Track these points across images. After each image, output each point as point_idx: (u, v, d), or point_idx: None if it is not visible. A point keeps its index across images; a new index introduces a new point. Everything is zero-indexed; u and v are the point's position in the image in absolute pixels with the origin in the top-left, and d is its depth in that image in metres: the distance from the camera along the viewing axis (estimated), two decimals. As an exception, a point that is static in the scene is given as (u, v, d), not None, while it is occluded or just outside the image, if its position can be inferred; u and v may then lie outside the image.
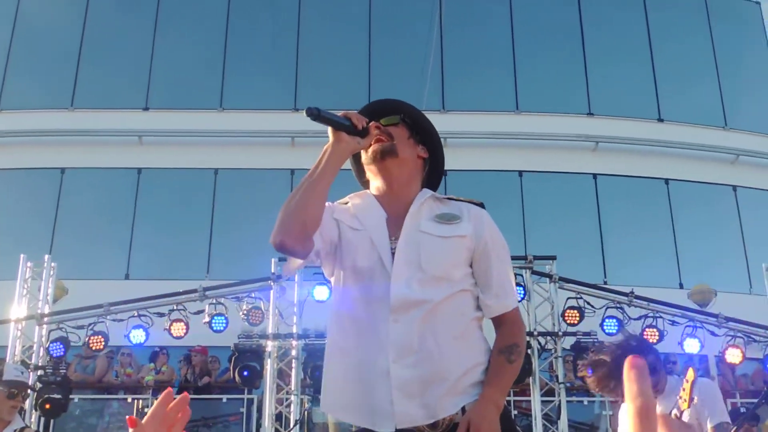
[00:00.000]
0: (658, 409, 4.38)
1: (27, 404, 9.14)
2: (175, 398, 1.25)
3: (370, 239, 2.62)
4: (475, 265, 2.69)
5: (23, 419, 8.38)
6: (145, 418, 1.20)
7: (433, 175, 2.89)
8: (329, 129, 2.56)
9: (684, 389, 4.04)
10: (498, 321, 2.73)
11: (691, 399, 4.04)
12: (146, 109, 16.37)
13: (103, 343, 9.76)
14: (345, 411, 2.59)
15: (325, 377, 2.67)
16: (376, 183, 2.77)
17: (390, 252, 2.59)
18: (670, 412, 4.30)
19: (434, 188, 2.87)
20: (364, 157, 2.73)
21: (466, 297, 2.65)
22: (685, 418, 4.14)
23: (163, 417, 1.20)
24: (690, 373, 4.07)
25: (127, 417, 1.21)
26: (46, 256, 10.85)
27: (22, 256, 10.65)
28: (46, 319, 10.04)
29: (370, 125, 2.63)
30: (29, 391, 6.53)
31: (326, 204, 2.63)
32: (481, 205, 2.78)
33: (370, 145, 2.67)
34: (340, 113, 2.56)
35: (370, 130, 2.63)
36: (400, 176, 2.72)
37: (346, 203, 2.76)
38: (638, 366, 0.91)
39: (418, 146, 2.81)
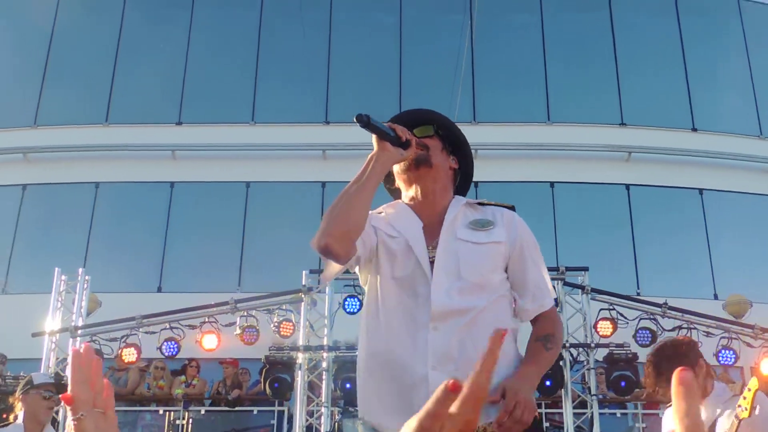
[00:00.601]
0: (702, 415, 4.28)
1: (60, 416, 9.24)
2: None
3: (408, 247, 2.63)
4: (511, 269, 2.70)
5: (56, 430, 8.47)
6: (70, 386, 1.22)
7: (463, 185, 2.92)
8: (374, 138, 2.58)
9: (745, 398, 3.80)
10: (536, 318, 2.76)
11: (753, 408, 3.76)
12: (179, 123, 16.53)
13: (135, 355, 9.85)
14: (383, 416, 2.58)
15: (363, 384, 2.66)
16: (409, 192, 2.78)
17: (428, 260, 2.60)
18: (712, 425, 4.20)
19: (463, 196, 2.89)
20: (398, 166, 2.75)
21: (503, 304, 2.67)
22: (744, 428, 3.98)
23: (85, 376, 1.21)
24: (754, 382, 3.83)
25: (61, 396, 1.24)
26: (80, 270, 10.98)
27: (56, 269, 10.79)
28: (79, 331, 10.15)
29: (412, 138, 2.65)
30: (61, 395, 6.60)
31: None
32: (512, 209, 2.80)
33: (412, 156, 2.68)
34: (386, 124, 2.59)
35: (412, 143, 2.64)
36: (434, 186, 2.74)
37: (380, 213, 2.78)
38: (686, 382, 0.86)
39: (450, 157, 2.83)
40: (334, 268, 2.62)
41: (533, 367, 2.60)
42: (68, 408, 1.18)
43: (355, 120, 2.48)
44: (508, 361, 2.62)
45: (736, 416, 3.80)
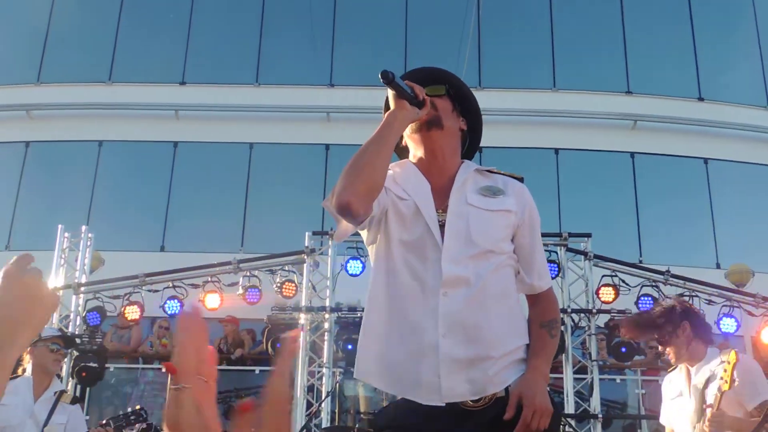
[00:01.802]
0: (694, 379, 4.36)
1: (64, 371, 9.30)
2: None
3: (417, 210, 2.59)
4: (519, 242, 2.68)
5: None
6: (177, 354, 1.14)
7: (470, 148, 2.88)
8: (392, 95, 2.54)
9: (725, 370, 4.08)
10: (536, 297, 2.76)
11: (733, 381, 4.05)
12: (183, 83, 16.45)
13: (138, 313, 9.88)
14: (383, 380, 2.57)
15: (364, 346, 2.63)
16: (417, 153, 2.74)
17: (438, 224, 2.57)
18: (703, 388, 4.27)
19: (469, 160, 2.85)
20: (409, 126, 2.69)
21: (510, 273, 2.65)
22: (726, 399, 4.11)
23: (194, 343, 1.14)
24: (732, 356, 4.13)
25: (163, 363, 1.15)
26: (84, 227, 10.98)
27: (59, 226, 10.79)
28: (82, 288, 10.18)
29: (427, 98, 2.61)
30: (69, 349, 6.64)
31: None
32: (521, 180, 2.78)
33: (424, 117, 2.64)
34: (405, 82, 2.54)
35: (427, 103, 2.61)
36: (444, 147, 2.70)
37: (390, 172, 2.70)
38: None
39: (460, 118, 2.78)
40: (347, 227, 2.59)
41: (542, 359, 2.61)
42: (169, 376, 1.11)
43: (380, 76, 2.44)
44: (518, 326, 2.64)
45: (719, 388, 3.96)
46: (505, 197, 2.66)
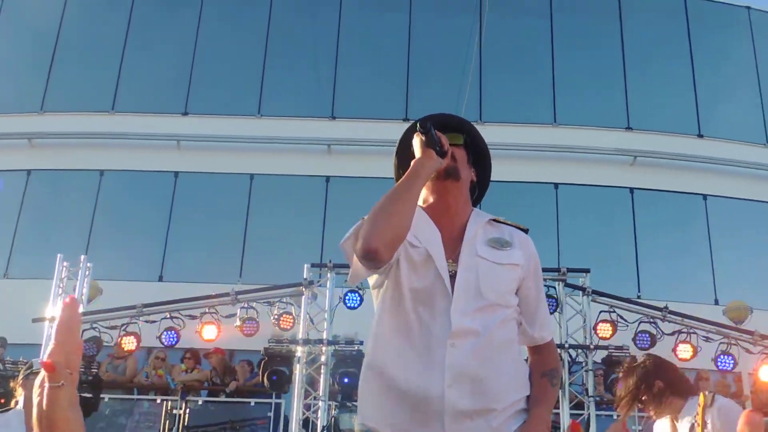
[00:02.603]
0: (679, 429, 4.35)
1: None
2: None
3: (428, 257, 2.56)
4: (523, 294, 2.68)
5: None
6: (52, 350, 1.14)
7: (477, 196, 2.88)
8: (419, 142, 2.55)
9: (697, 413, 4.12)
10: (538, 347, 2.77)
11: (704, 423, 4.08)
12: (185, 113, 16.54)
13: (135, 344, 9.85)
14: (385, 426, 2.54)
15: (368, 393, 2.60)
16: (430, 199, 2.72)
17: (448, 274, 2.55)
18: None
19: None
20: None
21: (514, 325, 2.65)
22: None
23: (68, 338, 1.14)
24: (701, 398, 4.17)
25: (41, 362, 1.14)
26: (82, 257, 10.97)
27: (58, 255, 10.78)
28: (81, 318, 10.15)
29: (449, 149, 2.62)
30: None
31: None
32: (527, 231, 2.78)
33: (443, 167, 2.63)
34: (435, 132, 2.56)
35: (448, 154, 2.61)
36: (457, 198, 2.68)
37: None
38: (754, 423, 0.87)
39: (472, 169, 2.79)
40: (363, 271, 2.55)
41: (544, 407, 2.61)
42: (45, 374, 1.10)
43: (418, 126, 2.47)
44: (522, 377, 2.64)
45: None
46: (513, 250, 2.65)
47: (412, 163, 2.54)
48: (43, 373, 1.09)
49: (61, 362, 1.10)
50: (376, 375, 2.56)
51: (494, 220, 2.75)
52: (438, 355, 2.46)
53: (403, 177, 2.51)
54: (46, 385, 1.07)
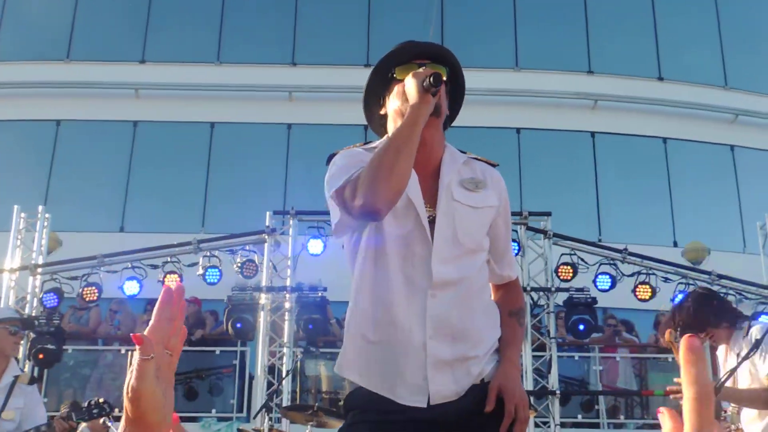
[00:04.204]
0: (728, 364, 4.42)
1: (20, 353, 9.20)
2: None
3: (409, 202, 2.47)
4: (493, 233, 2.63)
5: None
6: (151, 325, 1.13)
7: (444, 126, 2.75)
8: (415, 87, 2.37)
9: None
10: (505, 286, 2.76)
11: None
12: (143, 61, 16.27)
13: (96, 294, 9.77)
14: (365, 377, 2.52)
15: (349, 341, 2.56)
16: None
17: (427, 219, 2.48)
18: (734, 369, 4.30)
19: None
20: (402, 101, 2.51)
21: (486, 267, 2.64)
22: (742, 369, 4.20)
23: (169, 317, 1.14)
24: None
25: (132, 335, 1.14)
26: (40, 207, 10.84)
27: (15, 207, 10.64)
28: (39, 269, 10.06)
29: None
30: (27, 331, 6.51)
31: (365, 155, 2.49)
32: (496, 166, 2.72)
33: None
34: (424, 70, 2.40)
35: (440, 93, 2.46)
36: (434, 135, 2.54)
37: (375, 147, 2.56)
38: (694, 348, 0.85)
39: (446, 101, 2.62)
40: (355, 224, 2.48)
41: (514, 349, 2.61)
42: (137, 347, 1.10)
43: (432, 80, 2.30)
44: (495, 320, 2.63)
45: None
46: (487, 191, 2.59)
47: (409, 109, 2.38)
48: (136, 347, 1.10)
49: (153, 339, 1.09)
50: (358, 325, 2.53)
51: (471, 157, 2.68)
52: (418, 306, 2.44)
53: (401, 125, 2.37)
54: (137, 357, 1.07)
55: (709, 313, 4.45)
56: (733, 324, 4.46)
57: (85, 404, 5.20)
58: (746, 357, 4.01)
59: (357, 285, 2.54)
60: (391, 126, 2.60)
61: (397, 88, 2.53)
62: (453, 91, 2.67)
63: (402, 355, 2.45)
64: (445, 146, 2.64)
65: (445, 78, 2.50)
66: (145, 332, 1.09)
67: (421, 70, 2.43)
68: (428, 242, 2.46)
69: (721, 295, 4.74)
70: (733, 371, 4.11)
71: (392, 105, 2.57)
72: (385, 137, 2.64)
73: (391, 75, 2.58)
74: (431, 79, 2.32)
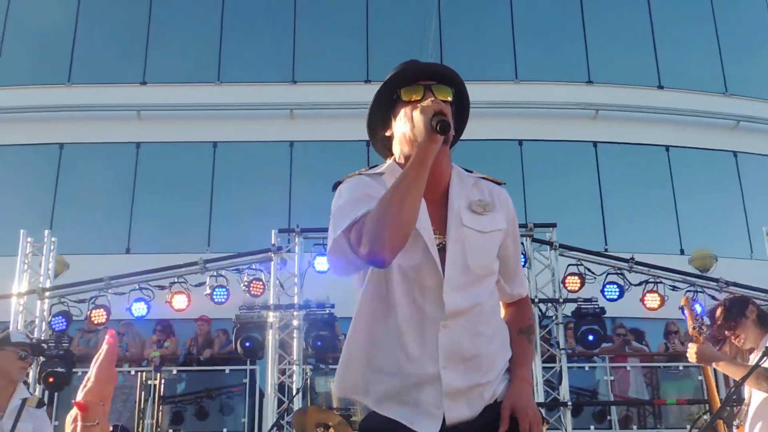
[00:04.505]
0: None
1: (30, 377, 9.19)
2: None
3: (416, 233, 2.39)
4: (503, 253, 2.59)
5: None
6: (88, 389, 1.11)
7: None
8: (423, 124, 2.29)
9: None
10: (515, 303, 2.74)
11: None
12: (144, 83, 16.32)
13: (105, 317, 9.78)
14: (377, 404, 2.49)
15: (352, 367, 2.52)
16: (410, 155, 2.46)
17: (436, 248, 2.43)
18: None
19: None
20: (410, 127, 2.44)
21: (496, 289, 2.61)
22: None
23: (105, 376, 1.13)
24: None
25: (74, 402, 1.12)
26: (47, 231, 10.86)
27: (22, 231, 10.66)
28: (47, 293, 10.06)
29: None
30: (36, 357, 6.48)
31: (371, 186, 2.47)
32: (503, 184, 2.68)
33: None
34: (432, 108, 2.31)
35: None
36: (442, 159, 2.46)
37: (382, 174, 2.54)
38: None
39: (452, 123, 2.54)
40: (362, 266, 2.42)
41: (526, 367, 2.59)
42: (79, 414, 1.08)
43: (438, 125, 2.24)
44: (506, 342, 2.62)
45: None
46: (495, 213, 2.54)
47: (417, 148, 2.31)
48: (75, 410, 1.08)
49: (95, 402, 1.08)
50: (369, 355, 2.49)
51: (478, 177, 2.64)
52: (430, 336, 2.41)
53: (409, 166, 2.30)
54: (80, 423, 1.06)
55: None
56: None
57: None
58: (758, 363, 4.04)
59: (362, 313, 2.49)
60: (397, 149, 2.57)
61: (403, 111, 2.49)
62: (458, 111, 2.60)
63: (416, 387, 2.42)
64: (452, 168, 2.59)
65: (451, 99, 2.50)
66: (83, 397, 1.07)
67: (427, 103, 2.36)
68: (438, 272, 2.41)
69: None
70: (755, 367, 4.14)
71: (399, 129, 2.53)
72: (390, 160, 2.62)
73: (396, 96, 2.54)
74: (438, 126, 2.25)
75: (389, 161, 2.62)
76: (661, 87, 16.59)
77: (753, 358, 4.53)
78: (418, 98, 2.48)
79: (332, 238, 2.39)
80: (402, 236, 2.27)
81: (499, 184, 2.67)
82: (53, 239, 10.76)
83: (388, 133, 2.62)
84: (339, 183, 2.56)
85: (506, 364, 2.57)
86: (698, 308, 9.61)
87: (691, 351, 4.42)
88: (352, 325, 2.53)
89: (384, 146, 2.68)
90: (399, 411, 2.45)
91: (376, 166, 2.64)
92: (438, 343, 2.40)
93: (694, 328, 4.48)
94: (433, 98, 2.41)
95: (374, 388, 2.50)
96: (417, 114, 2.32)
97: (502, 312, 2.75)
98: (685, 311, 4.63)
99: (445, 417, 2.41)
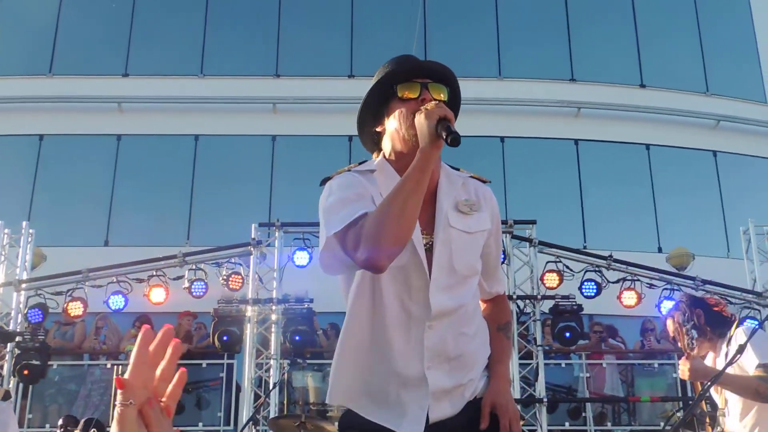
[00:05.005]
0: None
1: (5, 369, 9.15)
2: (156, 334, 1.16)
3: None
4: (484, 252, 2.62)
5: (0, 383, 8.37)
6: (129, 369, 1.10)
7: None
8: (427, 129, 2.26)
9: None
10: (493, 300, 2.79)
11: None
12: (126, 75, 16.23)
13: (82, 309, 9.73)
14: (363, 408, 2.51)
15: (343, 371, 2.53)
16: (403, 157, 2.49)
17: (423, 249, 2.45)
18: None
19: None
20: (406, 132, 2.45)
21: (478, 289, 2.64)
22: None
23: (149, 360, 1.11)
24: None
25: (115, 378, 1.13)
26: (24, 223, 10.80)
27: (-1, 222, 10.60)
28: (24, 285, 10.01)
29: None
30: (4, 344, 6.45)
31: (362, 184, 2.48)
32: (488, 182, 2.70)
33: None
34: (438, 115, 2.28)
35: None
36: (436, 159, 2.45)
37: (372, 171, 2.55)
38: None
39: None
40: (354, 269, 2.43)
41: (504, 364, 2.64)
42: (119, 392, 1.07)
43: (451, 142, 2.20)
44: (486, 340, 2.65)
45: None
46: (480, 213, 2.56)
47: (419, 153, 2.27)
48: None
49: (135, 384, 1.07)
50: (355, 356, 2.51)
51: (466, 176, 2.65)
52: (416, 337, 2.44)
53: (410, 171, 2.27)
54: (117, 402, 1.05)
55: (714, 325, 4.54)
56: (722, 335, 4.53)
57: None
58: (732, 361, 4.04)
59: (352, 315, 2.50)
60: (388, 146, 2.58)
61: (399, 109, 2.48)
62: (450, 109, 2.55)
63: (402, 387, 2.45)
64: (441, 167, 2.60)
65: (446, 98, 2.50)
66: (126, 375, 1.06)
67: (431, 106, 2.32)
68: (425, 273, 2.43)
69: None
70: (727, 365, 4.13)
71: (392, 125, 2.52)
72: (379, 157, 2.62)
73: (392, 91, 2.52)
74: (449, 139, 2.21)
75: (378, 158, 2.62)
76: (643, 86, 16.66)
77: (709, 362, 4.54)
78: (415, 96, 2.48)
79: (324, 236, 2.38)
80: (401, 243, 2.28)
81: (484, 182, 2.70)
82: (31, 231, 10.70)
83: (379, 129, 2.61)
84: (328, 179, 2.55)
85: (486, 362, 2.61)
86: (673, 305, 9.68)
87: (684, 368, 4.34)
88: (343, 330, 2.54)
89: (372, 141, 2.68)
90: (383, 414, 2.47)
91: (365, 162, 2.63)
92: (423, 343, 2.43)
93: (688, 346, 4.46)
94: (437, 102, 2.39)
95: (360, 390, 2.52)
96: (421, 118, 2.29)
97: (481, 307, 2.77)
98: (670, 328, 4.62)
99: (429, 416, 2.44)
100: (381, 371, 2.47)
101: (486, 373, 2.58)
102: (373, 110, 2.60)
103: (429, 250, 2.46)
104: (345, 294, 2.55)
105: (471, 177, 2.66)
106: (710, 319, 4.53)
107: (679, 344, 4.55)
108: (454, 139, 2.20)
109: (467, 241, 2.52)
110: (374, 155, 2.68)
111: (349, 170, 2.57)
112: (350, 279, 2.51)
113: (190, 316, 11.59)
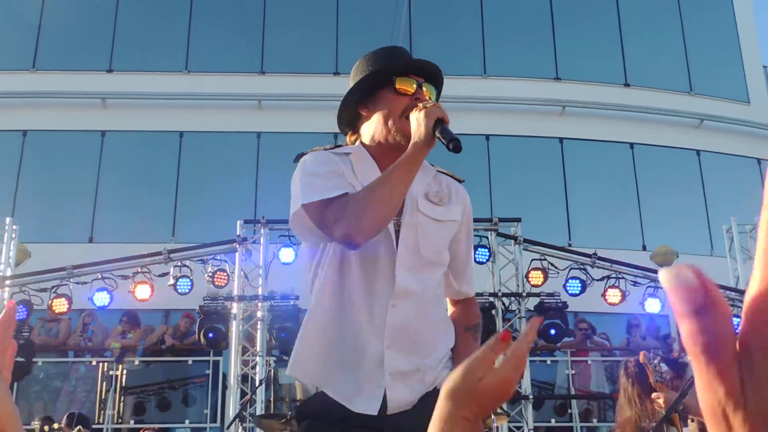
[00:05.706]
0: None
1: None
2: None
3: None
4: (454, 248, 2.67)
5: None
6: None
7: None
8: (425, 128, 2.33)
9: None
10: (462, 302, 2.81)
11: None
12: (110, 71, 16.15)
13: (66, 306, 9.69)
14: (319, 380, 2.53)
15: (305, 346, 2.54)
16: (382, 145, 2.58)
17: (393, 231, 2.50)
18: None
19: None
20: (394, 126, 2.53)
21: (443, 280, 2.67)
22: None
23: (6, 334, 1.16)
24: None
25: None
26: (8, 219, 10.75)
27: (-18, 219, 10.54)
28: (8, 282, 9.96)
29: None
30: None
31: (336, 164, 2.53)
32: (461, 182, 2.75)
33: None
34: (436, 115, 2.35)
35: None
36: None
37: (348, 154, 2.61)
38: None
39: None
40: (326, 240, 2.48)
41: None
42: None
43: (450, 144, 2.27)
44: (450, 332, 2.67)
45: None
46: (450, 206, 2.62)
47: (412, 147, 2.36)
48: None
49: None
50: (317, 330, 2.53)
51: (438, 171, 2.71)
52: (379, 315, 2.46)
53: (400, 162, 2.35)
54: None
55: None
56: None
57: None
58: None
59: (320, 289, 2.52)
60: (368, 132, 2.62)
61: (395, 101, 2.54)
62: None
63: (359, 364, 2.47)
64: None
65: (434, 100, 2.57)
66: None
67: (431, 106, 2.39)
68: (393, 250, 2.48)
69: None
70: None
71: (381, 109, 2.57)
72: (357, 142, 2.67)
73: (387, 80, 2.58)
74: (450, 145, 2.28)
75: (357, 144, 2.67)
76: (627, 85, 16.75)
77: None
78: (411, 92, 2.55)
79: (297, 205, 2.43)
80: (381, 226, 2.37)
81: (458, 180, 2.75)
82: (15, 227, 10.65)
83: (363, 112, 2.65)
84: (303, 154, 2.62)
85: (448, 353, 2.62)
86: (658, 303, 9.77)
87: (660, 402, 4.39)
88: (312, 303, 2.57)
89: (348, 119, 2.71)
90: (339, 390, 2.48)
91: (339, 146, 2.68)
92: (386, 321, 2.46)
93: (657, 381, 4.46)
94: (434, 102, 2.46)
95: (318, 364, 2.52)
96: (420, 115, 2.36)
97: (450, 309, 2.81)
98: (645, 367, 4.62)
99: (387, 399, 2.45)
100: (342, 346, 2.49)
101: (450, 365, 2.58)
102: (361, 92, 2.64)
103: (398, 232, 2.51)
104: (309, 265, 2.58)
105: (446, 174, 2.73)
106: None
107: (650, 381, 4.57)
108: (456, 146, 2.27)
109: (434, 227, 2.56)
110: (348, 137, 2.74)
111: (324, 149, 2.63)
112: (315, 251, 2.55)
113: (191, 318, 11.56)
